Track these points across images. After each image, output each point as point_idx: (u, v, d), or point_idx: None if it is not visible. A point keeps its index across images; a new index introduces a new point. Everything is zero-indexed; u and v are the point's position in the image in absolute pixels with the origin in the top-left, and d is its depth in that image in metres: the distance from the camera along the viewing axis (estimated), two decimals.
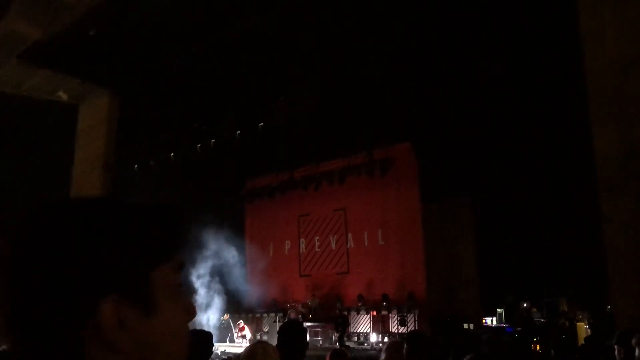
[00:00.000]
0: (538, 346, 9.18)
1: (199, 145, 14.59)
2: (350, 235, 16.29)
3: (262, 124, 13.47)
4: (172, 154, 14.84)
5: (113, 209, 0.71)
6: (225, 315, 15.96)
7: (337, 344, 12.99)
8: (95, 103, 15.60)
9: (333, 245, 16.60)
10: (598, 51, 7.86)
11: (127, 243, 0.68)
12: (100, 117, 15.44)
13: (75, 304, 0.64)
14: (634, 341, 2.65)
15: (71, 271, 0.64)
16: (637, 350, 2.64)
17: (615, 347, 3.28)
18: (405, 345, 3.66)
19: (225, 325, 15.55)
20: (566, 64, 9.60)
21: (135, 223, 0.70)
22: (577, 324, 11.83)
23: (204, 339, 3.37)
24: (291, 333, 3.26)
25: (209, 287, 16.19)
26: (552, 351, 4.08)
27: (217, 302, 16.28)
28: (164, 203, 0.75)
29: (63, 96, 15.09)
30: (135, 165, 15.22)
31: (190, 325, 0.80)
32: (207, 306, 16.00)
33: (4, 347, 0.67)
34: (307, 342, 3.34)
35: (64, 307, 0.64)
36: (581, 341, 7.13)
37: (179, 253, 0.74)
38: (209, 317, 15.64)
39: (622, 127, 7.43)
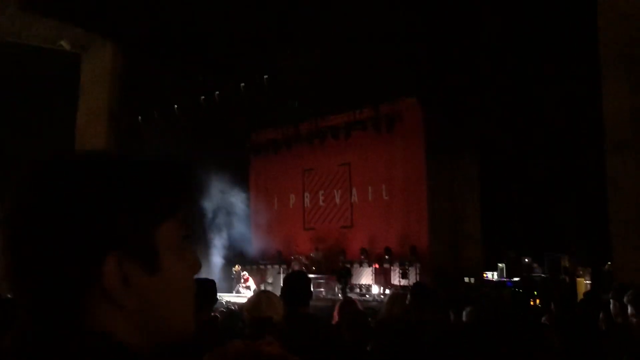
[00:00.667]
0: (538, 300, 9.31)
1: (203, 97, 14.46)
2: (354, 190, 16.34)
3: (266, 76, 13.30)
4: (175, 105, 14.73)
5: (118, 163, 0.70)
6: (236, 266, 16.17)
7: (340, 295, 13.23)
8: (99, 53, 15.41)
9: (337, 200, 16.69)
10: (610, 6, 7.66)
11: (131, 199, 0.67)
12: (104, 68, 15.28)
13: (79, 259, 0.64)
14: (626, 298, 2.67)
15: (75, 226, 0.64)
16: (629, 308, 2.67)
17: (612, 301, 3.32)
18: (408, 296, 3.69)
19: (236, 277, 15.79)
20: (578, 20, 9.37)
21: (140, 178, 0.69)
22: (577, 279, 11.96)
23: (208, 287, 3.41)
24: (296, 282, 3.30)
25: (213, 238, 16.39)
26: (552, 305, 4.14)
27: (222, 254, 16.51)
28: (169, 158, 0.74)
29: (65, 45, 14.89)
30: (139, 117, 15.14)
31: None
32: (211, 257, 16.24)
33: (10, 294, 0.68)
34: (311, 292, 3.38)
35: (68, 262, 0.64)
36: (581, 296, 7.22)
37: (184, 208, 0.73)
38: (212, 269, 15.88)
39: (633, 84, 7.31)
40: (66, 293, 0.64)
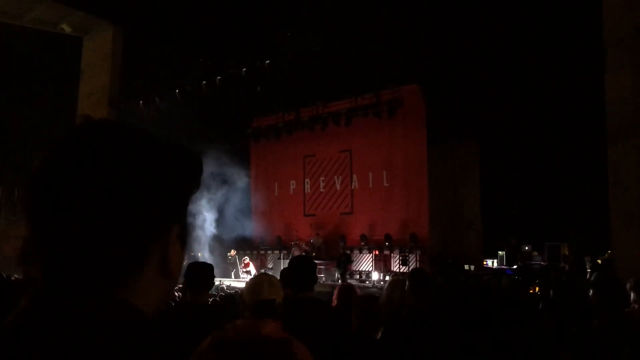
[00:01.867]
0: (537, 288, 9.35)
1: (204, 82, 14.41)
2: (355, 176, 16.34)
3: (268, 61, 13.24)
4: (177, 90, 14.69)
5: (172, 145, 0.74)
6: (232, 251, 16.27)
7: (340, 281, 13.29)
8: (100, 37, 15.35)
9: (338, 186, 16.70)
10: None
11: (185, 179, 0.74)
12: (105, 52, 15.23)
13: (151, 228, 0.68)
14: (628, 285, 2.68)
15: (147, 196, 0.67)
16: (632, 295, 2.68)
17: (591, 290, 3.30)
18: (407, 283, 3.71)
19: (232, 261, 15.89)
20: (582, 9, 9.30)
21: (188, 162, 0.75)
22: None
23: (206, 271, 3.46)
24: (301, 266, 3.31)
25: (213, 224, 16.44)
26: (551, 292, 4.16)
27: (222, 239, 16.57)
28: (192, 150, 0.77)
29: (66, 29, 14.84)
30: (141, 101, 15.12)
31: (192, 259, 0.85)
32: (212, 243, 16.30)
33: (17, 275, 0.68)
34: (317, 276, 3.39)
35: (140, 229, 0.67)
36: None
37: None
38: (212, 253, 15.95)
39: (635, 74, 7.28)
40: (130, 256, 0.67)
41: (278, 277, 3.30)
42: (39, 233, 0.66)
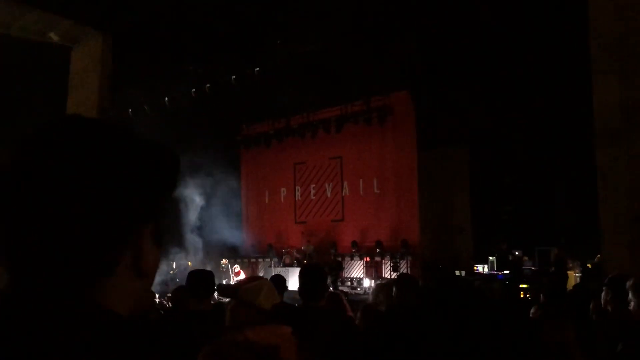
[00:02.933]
0: (528, 294, 9.39)
1: (194, 90, 14.37)
2: (345, 183, 16.35)
3: (258, 69, 13.24)
4: (166, 98, 14.64)
5: (148, 143, 0.72)
6: (224, 260, 16.19)
7: (331, 288, 13.25)
8: (88, 46, 15.27)
9: (328, 193, 16.69)
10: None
11: (160, 178, 0.71)
12: (94, 60, 15.15)
13: (122, 227, 0.66)
14: (628, 284, 2.70)
15: (121, 194, 0.65)
16: (630, 294, 2.69)
17: (604, 288, 3.33)
18: (394, 288, 3.71)
19: (225, 270, 15.80)
20: (569, 13, 9.40)
21: (167, 161, 0.72)
22: (568, 272, 12.06)
23: (207, 277, 3.48)
24: (312, 276, 3.29)
25: (203, 232, 16.36)
26: (542, 296, 4.17)
27: (213, 248, 16.48)
28: (168, 149, 0.75)
29: (54, 37, 14.75)
30: (130, 110, 15.04)
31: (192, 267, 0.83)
32: (203, 251, 16.21)
33: None
34: (328, 285, 3.39)
35: (111, 228, 0.65)
36: (570, 289, 7.29)
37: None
38: (203, 262, 15.86)
39: (623, 77, 7.35)
40: (103, 257, 0.65)
41: None
42: (4, 232, 0.63)
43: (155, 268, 0.72)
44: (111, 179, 0.65)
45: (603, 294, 3.28)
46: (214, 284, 3.53)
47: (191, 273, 3.51)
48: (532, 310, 3.91)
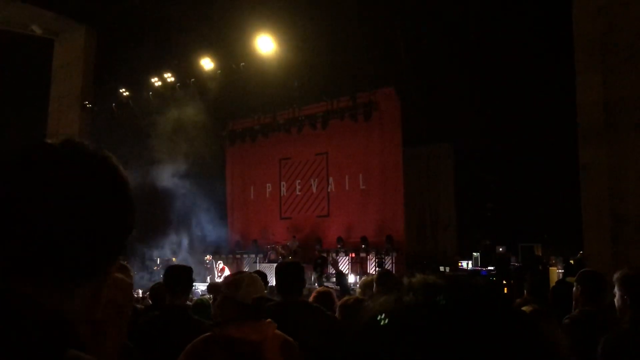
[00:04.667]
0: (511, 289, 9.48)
1: (178, 84, 14.27)
2: (331, 179, 16.35)
3: (243, 63, 13.17)
4: (150, 92, 14.51)
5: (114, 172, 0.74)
6: (208, 256, 16.11)
7: (316, 284, 13.25)
8: (71, 39, 15.07)
9: (314, 189, 16.68)
10: None
11: (127, 216, 0.74)
12: (77, 54, 14.96)
13: (94, 264, 0.69)
14: (615, 277, 2.72)
15: (100, 234, 0.68)
16: (616, 289, 2.71)
17: (575, 284, 3.36)
18: (374, 284, 3.73)
19: (209, 266, 15.73)
20: (553, 11, 9.46)
21: (132, 204, 0.75)
22: (550, 268, 12.19)
23: (185, 274, 3.44)
24: (289, 271, 3.31)
25: (188, 227, 16.28)
26: (525, 292, 4.20)
27: (197, 243, 16.41)
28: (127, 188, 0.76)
29: (37, 30, 14.53)
30: (114, 104, 14.90)
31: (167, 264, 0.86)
32: (187, 247, 16.13)
33: None
34: (304, 281, 3.41)
35: (94, 255, 0.69)
36: (553, 284, 7.36)
37: None
38: (187, 258, 15.78)
39: (606, 75, 7.42)
40: (70, 288, 0.67)
41: None
42: None
43: (101, 305, 0.74)
44: (98, 220, 0.68)
45: (574, 289, 3.32)
46: (191, 280, 3.51)
47: (168, 268, 3.49)
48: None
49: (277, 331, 2.30)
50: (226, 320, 2.30)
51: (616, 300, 2.70)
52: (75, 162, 0.68)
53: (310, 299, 3.97)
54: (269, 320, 2.31)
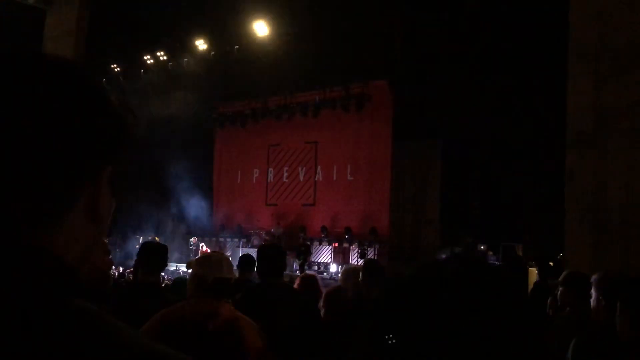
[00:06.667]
0: None
1: (171, 63, 14.14)
2: (319, 168, 16.35)
3: (237, 47, 13.08)
4: (142, 70, 14.37)
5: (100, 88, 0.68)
6: (193, 238, 16.08)
7: (298, 271, 13.30)
8: (64, 9, 14.83)
9: (301, 177, 16.68)
10: (583, 2, 7.77)
11: (121, 120, 0.68)
12: (69, 28, 14.71)
13: (80, 164, 0.62)
14: (593, 278, 2.76)
15: (84, 132, 0.62)
16: (592, 291, 2.75)
17: (560, 287, 3.39)
18: (360, 273, 3.75)
19: (195, 248, 15.70)
20: (549, 14, 9.50)
21: (125, 110, 0.69)
22: (530, 269, 12.31)
23: (159, 251, 3.45)
24: (271, 254, 3.32)
25: (174, 208, 16.21)
26: None
27: (182, 225, 16.36)
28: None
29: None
30: (104, 79, 14.73)
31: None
32: (171, 228, 16.09)
33: None
34: (285, 264, 3.42)
35: (69, 164, 0.61)
36: (532, 285, 7.45)
37: None
38: (172, 239, 15.73)
39: (598, 81, 7.47)
40: (46, 198, 0.60)
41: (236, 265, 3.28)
42: None
43: (109, 215, 0.69)
44: (73, 114, 0.61)
45: (560, 291, 3.35)
46: (165, 259, 3.49)
47: (143, 245, 3.49)
48: None
49: (233, 311, 2.31)
50: (189, 296, 2.36)
51: (592, 301, 2.75)
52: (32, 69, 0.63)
53: (295, 284, 3.99)
54: (225, 300, 2.33)
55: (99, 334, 0.56)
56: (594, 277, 3.06)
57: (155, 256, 3.35)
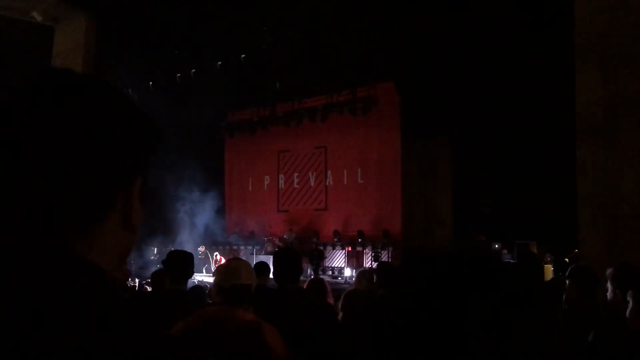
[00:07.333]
0: None
1: (179, 75, 14.25)
2: (329, 172, 16.38)
3: (244, 55, 13.16)
4: (150, 82, 14.50)
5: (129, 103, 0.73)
6: (201, 247, 16.14)
7: (312, 276, 13.30)
8: (72, 27, 15.01)
9: (312, 182, 16.71)
10: None
11: (151, 132, 0.73)
12: (77, 42, 14.90)
13: (118, 174, 0.67)
14: (608, 272, 2.75)
15: (118, 147, 0.66)
16: (608, 285, 2.75)
17: (567, 281, 3.39)
18: (374, 275, 3.77)
19: (203, 257, 15.77)
20: (555, 10, 9.48)
21: (151, 122, 0.74)
22: (545, 265, 12.23)
23: (186, 259, 3.49)
24: (287, 259, 3.33)
25: (186, 219, 16.28)
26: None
27: (194, 234, 16.42)
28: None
29: (37, 17, 14.48)
30: None
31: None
32: (185, 238, 16.14)
33: None
34: (302, 268, 3.44)
35: (107, 175, 0.65)
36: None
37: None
38: (184, 248, 15.75)
39: (605, 74, 7.44)
40: (86, 205, 0.64)
41: None
42: None
43: (140, 223, 0.73)
44: (106, 130, 0.65)
45: (567, 285, 3.35)
46: (192, 266, 3.53)
47: (170, 253, 3.53)
48: None
49: (254, 317, 2.33)
50: (211, 304, 2.40)
51: (608, 294, 2.74)
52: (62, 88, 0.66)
53: (304, 286, 4.02)
54: (245, 307, 2.35)
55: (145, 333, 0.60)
56: (608, 271, 3.05)
57: (182, 264, 3.40)
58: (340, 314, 3.48)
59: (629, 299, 2.31)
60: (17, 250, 0.59)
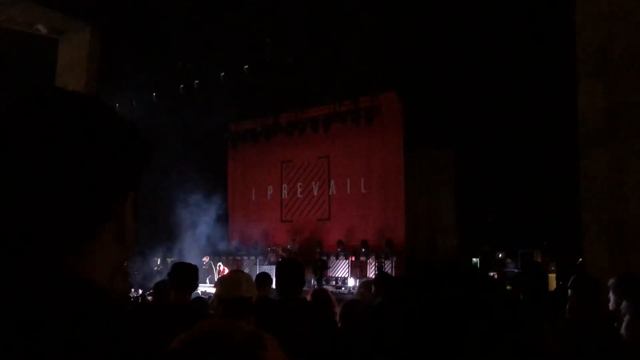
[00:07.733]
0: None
1: (182, 86, 14.32)
2: (332, 182, 16.38)
3: (247, 66, 13.22)
4: (154, 93, 14.57)
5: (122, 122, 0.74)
6: (206, 257, 16.13)
7: (316, 287, 13.27)
8: (76, 38, 15.13)
9: (315, 192, 16.71)
10: (588, 4, 7.77)
11: (142, 148, 0.73)
12: (81, 54, 15.01)
13: (111, 189, 0.67)
14: (610, 282, 2.74)
15: (110, 163, 0.67)
16: (610, 294, 2.74)
17: (570, 291, 3.38)
18: (372, 285, 3.80)
19: (207, 267, 15.75)
20: (556, 17, 9.50)
21: (142, 138, 0.74)
22: (549, 275, 12.17)
23: (191, 271, 3.49)
24: (290, 269, 3.33)
25: (189, 229, 16.28)
26: (521, 295, 4.23)
27: (198, 245, 16.41)
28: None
29: (42, 30, 14.59)
30: (117, 104, 14.94)
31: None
32: (188, 248, 16.14)
33: None
34: (304, 279, 3.43)
35: (101, 189, 0.66)
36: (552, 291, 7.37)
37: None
38: (188, 259, 15.76)
39: (607, 82, 7.44)
40: (79, 222, 0.64)
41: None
42: None
43: (132, 237, 0.73)
44: (97, 146, 0.66)
45: (569, 294, 3.34)
46: (197, 279, 3.54)
47: (176, 265, 3.53)
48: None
49: (255, 327, 2.32)
50: (212, 315, 2.40)
51: (610, 304, 2.73)
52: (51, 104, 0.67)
53: (308, 297, 4.01)
54: (246, 318, 2.35)
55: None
56: (611, 281, 3.04)
57: (187, 277, 3.40)
58: (339, 324, 3.48)
59: (622, 310, 2.31)
60: (9, 266, 0.60)
